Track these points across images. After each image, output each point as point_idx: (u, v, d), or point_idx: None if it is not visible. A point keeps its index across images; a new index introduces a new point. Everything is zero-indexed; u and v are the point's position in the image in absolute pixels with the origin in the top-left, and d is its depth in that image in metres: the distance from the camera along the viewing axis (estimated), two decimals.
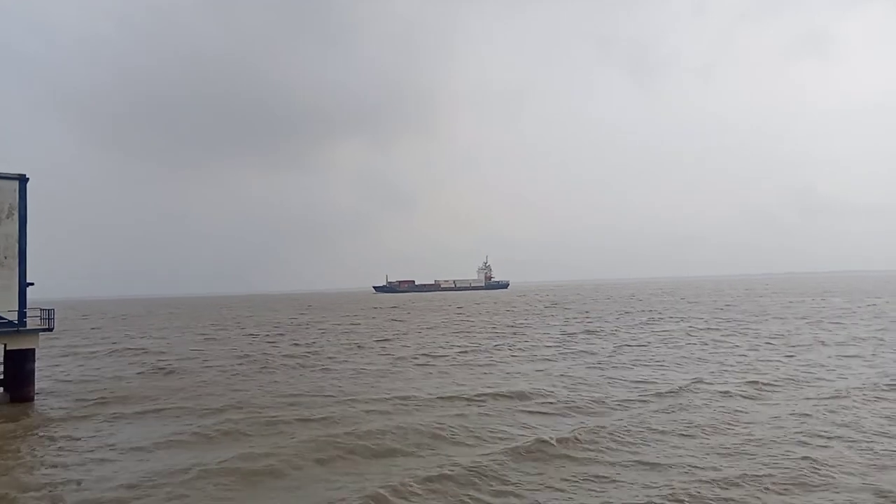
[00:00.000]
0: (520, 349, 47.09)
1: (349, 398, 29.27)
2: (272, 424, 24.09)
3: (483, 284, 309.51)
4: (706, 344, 46.98)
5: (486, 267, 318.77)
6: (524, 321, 79.47)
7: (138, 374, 39.88)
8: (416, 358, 43.47)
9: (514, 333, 61.06)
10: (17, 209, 31.39)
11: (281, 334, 70.62)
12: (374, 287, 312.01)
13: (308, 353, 48.77)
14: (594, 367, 37.04)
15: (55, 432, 24.46)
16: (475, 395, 28.76)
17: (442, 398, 28.39)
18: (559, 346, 48.17)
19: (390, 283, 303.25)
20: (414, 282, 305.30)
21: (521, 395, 28.50)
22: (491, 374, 35.99)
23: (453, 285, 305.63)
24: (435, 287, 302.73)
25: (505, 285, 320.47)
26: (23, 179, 31.75)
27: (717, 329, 59.27)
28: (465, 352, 46.43)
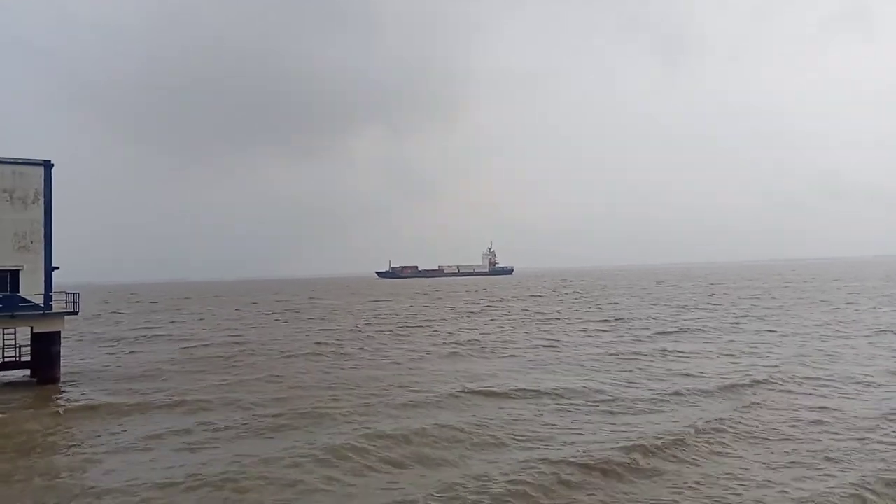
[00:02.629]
0: None
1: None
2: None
3: (487, 270, 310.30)
4: None
5: (491, 252, 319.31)
6: None
7: (168, 360, 40.01)
8: None
9: None
10: (43, 195, 31.96)
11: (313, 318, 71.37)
12: (377, 273, 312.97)
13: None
14: None
15: (78, 419, 24.44)
16: None
17: None
18: None
19: (393, 268, 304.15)
20: (417, 267, 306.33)
21: None
22: None
23: (457, 271, 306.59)
24: (438, 272, 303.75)
25: (509, 271, 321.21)
26: (48, 165, 32.27)
27: None
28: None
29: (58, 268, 32.73)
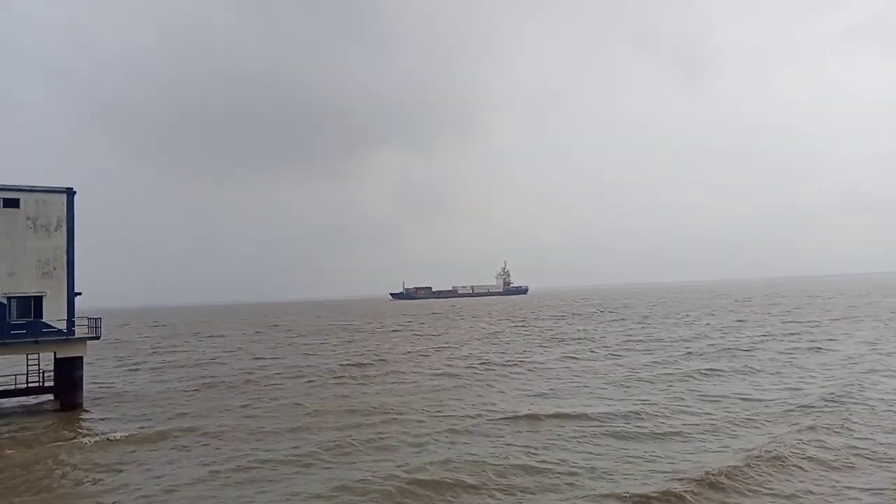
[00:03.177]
0: None
1: None
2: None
3: (501, 290, 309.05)
4: None
5: (505, 272, 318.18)
6: None
7: (189, 385, 39.86)
8: None
9: None
10: (65, 222, 32.36)
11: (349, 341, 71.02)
12: (391, 294, 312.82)
13: None
14: None
15: (103, 448, 24.17)
16: None
17: None
18: None
19: (407, 289, 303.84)
20: (431, 288, 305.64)
21: None
22: None
23: (471, 291, 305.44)
24: (452, 293, 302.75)
25: (524, 291, 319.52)
26: (70, 193, 32.72)
27: None
28: None
29: (80, 293, 32.97)
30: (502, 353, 52.02)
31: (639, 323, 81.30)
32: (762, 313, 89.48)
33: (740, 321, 76.15)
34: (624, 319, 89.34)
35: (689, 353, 46.54)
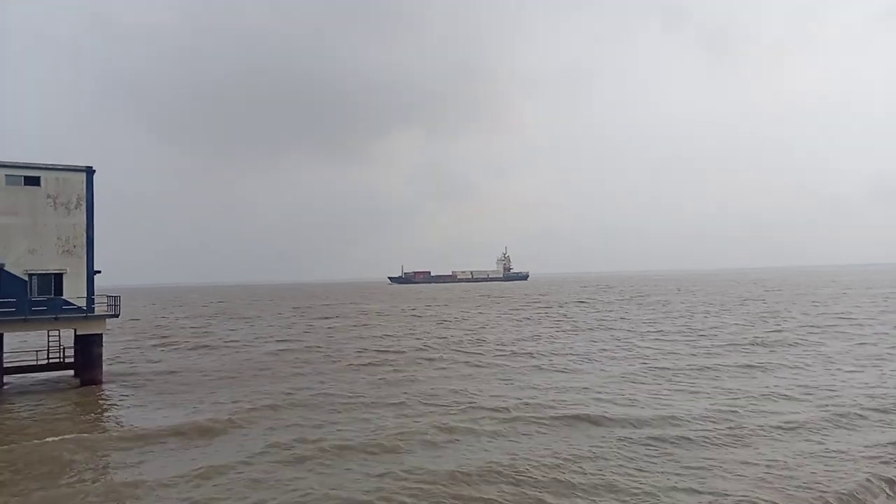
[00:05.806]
0: None
1: None
2: None
3: (501, 276, 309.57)
4: None
5: (505, 258, 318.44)
6: None
7: (204, 367, 39.81)
8: None
9: None
10: (85, 200, 32.68)
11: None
12: (389, 278, 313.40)
13: None
14: None
15: (115, 425, 24.39)
16: None
17: None
18: None
19: (406, 273, 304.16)
20: (430, 272, 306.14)
21: None
22: None
23: (470, 276, 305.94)
24: (451, 278, 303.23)
25: (524, 277, 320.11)
26: (90, 172, 33.01)
27: None
28: None
29: (99, 271, 33.38)
30: (541, 341, 52.21)
31: (664, 310, 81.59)
32: (814, 303, 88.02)
33: (803, 315, 68.19)
34: (648, 307, 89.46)
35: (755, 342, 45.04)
